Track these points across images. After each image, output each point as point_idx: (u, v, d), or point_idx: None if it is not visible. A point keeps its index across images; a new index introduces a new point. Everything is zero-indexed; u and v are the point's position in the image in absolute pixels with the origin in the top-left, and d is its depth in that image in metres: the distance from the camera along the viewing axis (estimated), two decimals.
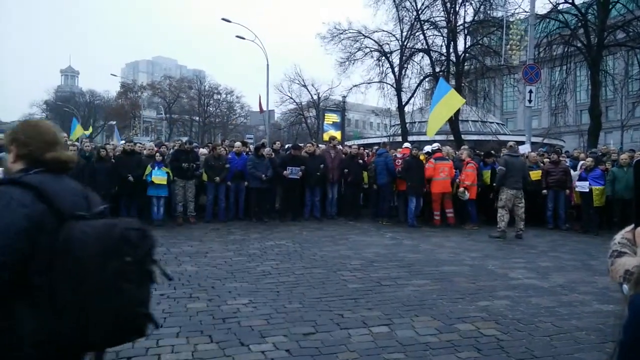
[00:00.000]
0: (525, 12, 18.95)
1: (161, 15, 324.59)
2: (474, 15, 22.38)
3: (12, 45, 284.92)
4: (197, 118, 55.22)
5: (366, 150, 13.46)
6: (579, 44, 19.07)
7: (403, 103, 25.03)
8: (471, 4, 22.33)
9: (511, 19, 20.84)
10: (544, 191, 10.86)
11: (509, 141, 12.39)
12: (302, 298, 5.10)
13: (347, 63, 25.23)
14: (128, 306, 1.48)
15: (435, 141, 12.59)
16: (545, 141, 28.05)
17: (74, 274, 1.42)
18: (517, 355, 3.74)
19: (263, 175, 10.57)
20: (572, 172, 11.01)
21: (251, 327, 4.21)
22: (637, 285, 1.31)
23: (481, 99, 24.96)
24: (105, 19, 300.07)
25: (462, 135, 23.40)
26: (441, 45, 23.59)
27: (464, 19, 22.64)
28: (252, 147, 12.36)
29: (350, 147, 13.80)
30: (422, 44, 23.71)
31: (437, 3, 22.86)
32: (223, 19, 28.18)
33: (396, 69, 24.62)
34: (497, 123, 41.04)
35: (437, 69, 23.29)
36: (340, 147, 13.04)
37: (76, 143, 11.69)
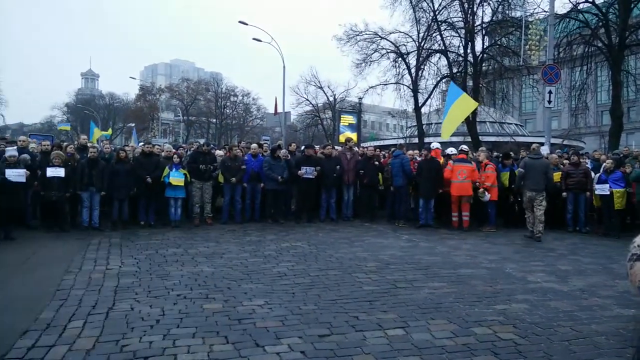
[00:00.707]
0: (545, 11, 18.72)
1: (179, 19, 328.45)
2: (492, 16, 22.21)
3: (34, 49, 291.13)
4: (214, 120, 55.77)
5: (382, 152, 13.41)
6: (600, 44, 18.78)
7: (420, 104, 24.93)
8: (489, 4, 22.18)
9: (530, 19, 20.55)
10: (564, 193, 10.69)
11: (526, 143, 12.24)
12: (317, 300, 5.10)
13: (363, 64, 25.28)
14: None
15: (452, 143, 12.49)
16: (565, 142, 27.61)
17: None
18: None
19: (279, 177, 10.61)
20: (592, 174, 10.82)
21: (266, 329, 4.22)
22: None
23: (499, 100, 24.68)
24: (124, 23, 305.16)
25: (480, 137, 23.19)
26: (458, 46, 23.50)
27: (482, 19, 22.52)
28: (268, 148, 12.40)
29: (366, 148, 13.76)
30: (439, 44, 23.63)
31: (454, 4, 22.79)
32: (240, 22, 28.44)
33: (413, 70, 24.55)
34: (516, 124, 40.55)
35: (455, 70, 23.15)
36: (356, 148, 13.02)
37: (96, 145, 11.85)
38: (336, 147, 13.45)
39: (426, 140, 24.67)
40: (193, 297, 5.15)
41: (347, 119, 30.45)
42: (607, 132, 19.71)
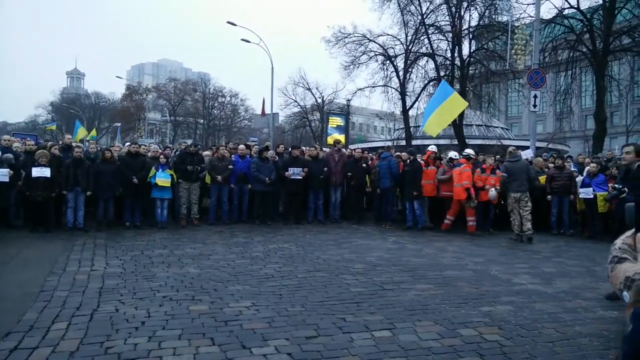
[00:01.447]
0: (531, 17, 18.93)
1: (167, 18, 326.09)
2: (479, 20, 22.42)
3: (18, 47, 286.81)
4: (202, 120, 55.42)
5: (370, 154, 13.46)
6: (585, 49, 19.03)
7: (407, 107, 25.05)
8: (476, 8, 22.39)
9: (516, 24, 20.83)
10: (548, 197, 10.82)
11: (512, 146, 12.33)
12: (304, 301, 5.10)
13: (351, 67, 25.35)
14: None
15: (439, 145, 12.52)
16: (550, 146, 27.94)
17: None
18: None
19: (267, 179, 10.58)
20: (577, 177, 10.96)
21: (253, 330, 4.20)
22: (638, 295, 1.30)
23: (485, 104, 24.93)
24: (111, 21, 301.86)
25: (466, 139, 23.36)
26: (446, 50, 23.68)
27: (469, 23, 22.71)
28: (256, 149, 12.36)
29: (353, 150, 13.80)
30: (427, 48, 23.76)
31: (442, 7, 22.95)
32: (228, 22, 28.26)
33: (401, 73, 24.66)
34: (502, 127, 40.94)
35: (442, 73, 23.29)
36: (344, 150, 13.04)
37: (80, 144, 11.72)
38: (324, 148, 13.45)
39: (413, 142, 24.81)
40: (179, 298, 5.11)
41: (335, 121, 30.47)
42: (591, 136, 19.98)
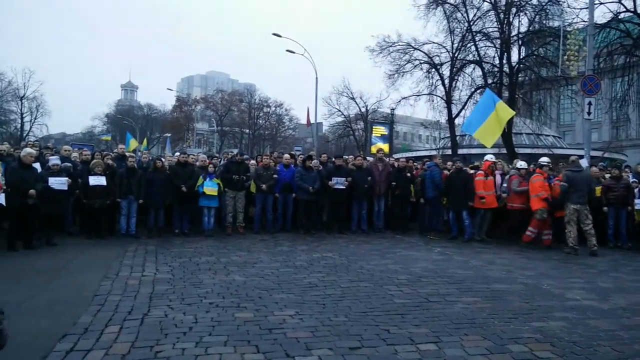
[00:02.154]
0: (584, 21, 18.21)
1: (215, 32, 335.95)
2: (529, 26, 21.81)
3: (76, 62, 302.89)
4: (247, 130, 56.55)
5: (415, 163, 13.30)
6: None
7: (453, 115, 24.63)
8: (526, 14, 21.80)
9: (569, 29, 20.06)
10: (605, 208, 10.32)
11: (565, 155, 11.86)
12: (348, 311, 5.08)
13: (396, 75, 25.16)
14: None
15: (484, 154, 12.21)
16: (606, 155, 26.72)
17: None
18: None
19: (311, 188, 10.64)
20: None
21: (297, 339, 4.22)
22: None
23: (536, 111, 24.10)
24: (163, 36, 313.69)
25: (516, 148, 22.69)
26: (494, 57, 23.15)
27: (518, 29, 22.11)
28: (300, 159, 12.47)
29: (398, 160, 13.67)
30: (474, 55, 23.34)
31: (489, 14, 22.48)
32: (274, 34, 28.90)
33: (446, 81, 24.31)
34: (554, 136, 39.53)
35: (490, 81, 22.77)
36: (388, 159, 12.95)
37: (132, 154, 12.20)
38: (368, 157, 13.40)
39: (459, 151, 24.32)
40: (225, 305, 5.21)
41: (379, 130, 30.29)
42: None
